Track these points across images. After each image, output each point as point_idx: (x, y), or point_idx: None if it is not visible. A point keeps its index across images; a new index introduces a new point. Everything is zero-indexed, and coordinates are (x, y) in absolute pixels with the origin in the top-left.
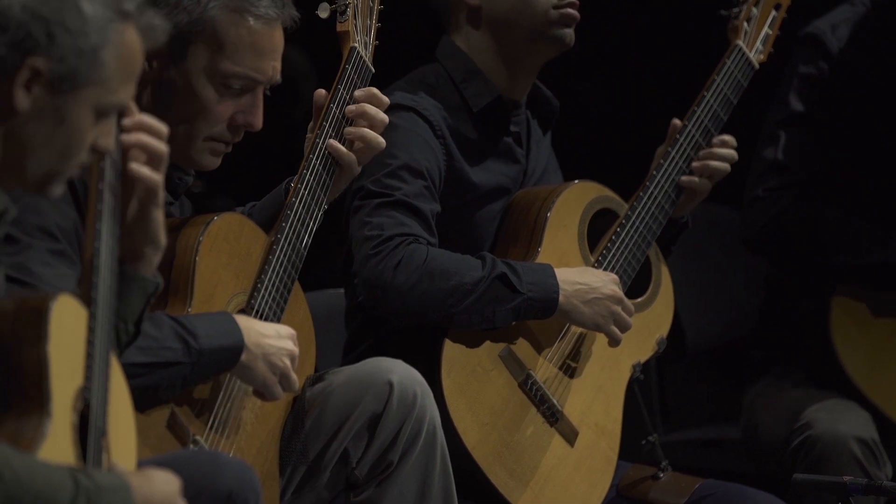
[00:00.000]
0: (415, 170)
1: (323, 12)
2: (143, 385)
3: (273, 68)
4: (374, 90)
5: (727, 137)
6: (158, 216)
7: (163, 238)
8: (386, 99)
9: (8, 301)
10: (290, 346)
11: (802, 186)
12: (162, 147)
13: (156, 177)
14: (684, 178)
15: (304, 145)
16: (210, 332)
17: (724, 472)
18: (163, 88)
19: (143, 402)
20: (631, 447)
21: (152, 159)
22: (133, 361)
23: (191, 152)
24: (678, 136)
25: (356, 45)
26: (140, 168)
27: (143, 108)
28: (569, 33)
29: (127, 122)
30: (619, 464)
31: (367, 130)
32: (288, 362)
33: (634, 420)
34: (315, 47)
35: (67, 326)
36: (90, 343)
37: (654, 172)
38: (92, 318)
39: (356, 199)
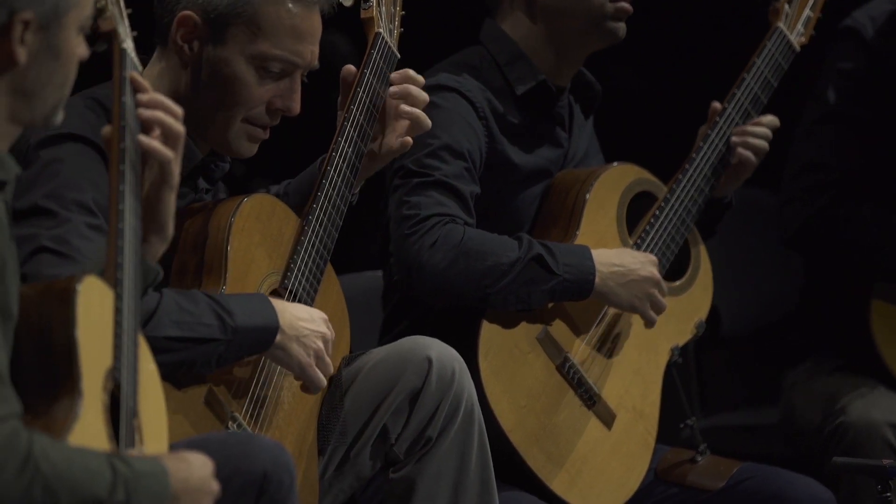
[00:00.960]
0: (455, 150)
1: (347, 0)
2: (178, 360)
3: (311, 53)
4: (410, 71)
5: (766, 117)
6: (170, 199)
7: (170, 228)
8: (421, 78)
9: (35, 284)
10: (324, 329)
11: (839, 185)
12: (178, 126)
13: (169, 153)
14: (739, 145)
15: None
16: (246, 311)
17: (763, 456)
18: (202, 71)
19: (180, 379)
20: (669, 431)
21: (168, 137)
22: (169, 335)
23: (228, 136)
24: (718, 118)
25: (381, 30)
26: (154, 143)
27: (182, 92)
28: (622, 27)
29: (143, 97)
30: (657, 447)
31: (416, 109)
32: (321, 344)
33: (672, 403)
34: (358, 34)
35: (94, 308)
36: (118, 324)
37: (694, 155)
38: (118, 298)
39: (396, 178)
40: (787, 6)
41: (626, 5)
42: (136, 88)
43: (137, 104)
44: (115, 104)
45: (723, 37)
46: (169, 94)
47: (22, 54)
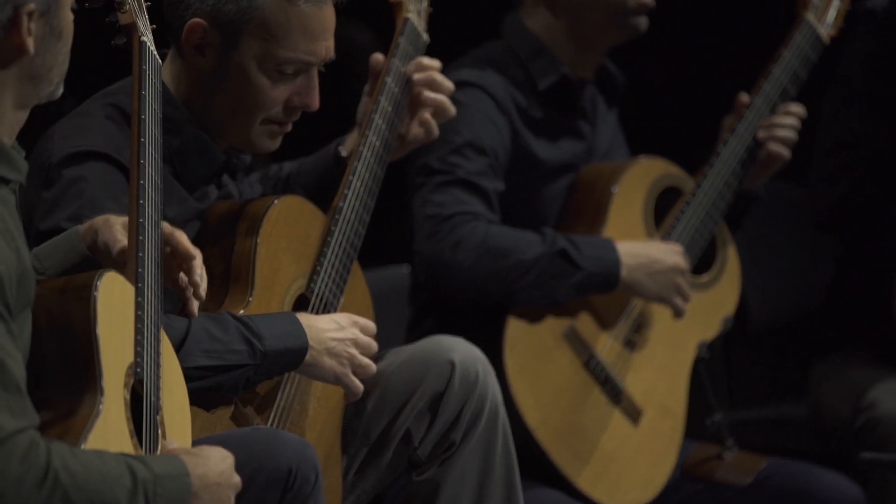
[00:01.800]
0: (478, 147)
1: None
2: (206, 386)
3: (326, 48)
4: (424, 59)
5: (793, 107)
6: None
7: None
8: (436, 63)
9: (56, 281)
10: (353, 333)
11: (867, 164)
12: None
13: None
14: (768, 139)
15: (358, 111)
16: (275, 334)
17: (791, 450)
18: (217, 77)
19: (206, 399)
20: (696, 426)
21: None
22: (199, 365)
23: (250, 137)
24: (745, 111)
25: (409, 14)
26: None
27: (199, 95)
28: (643, 21)
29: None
30: (684, 443)
31: (440, 96)
32: (353, 350)
33: (699, 398)
34: (375, 21)
35: (115, 303)
36: (138, 319)
37: (721, 149)
38: (139, 294)
39: (418, 176)
40: None
41: (649, 1)
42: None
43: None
44: (135, 97)
45: (749, 28)
46: (186, 96)
47: (31, 44)
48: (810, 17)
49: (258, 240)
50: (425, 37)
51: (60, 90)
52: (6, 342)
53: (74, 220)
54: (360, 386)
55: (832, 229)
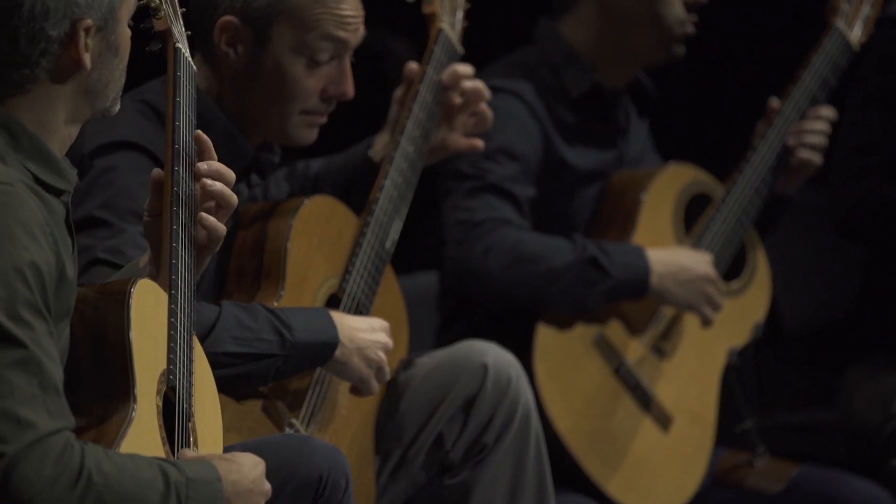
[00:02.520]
0: (510, 153)
1: None
2: (234, 374)
3: (356, 31)
4: (457, 67)
5: (824, 110)
6: (206, 262)
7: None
8: (469, 69)
9: (91, 286)
10: (384, 338)
11: (887, 167)
12: (234, 198)
13: (223, 229)
14: (798, 145)
15: (389, 117)
16: (306, 327)
17: (822, 456)
18: (251, 73)
19: (237, 388)
20: (726, 432)
21: (222, 207)
22: (228, 351)
23: (288, 129)
24: (775, 117)
25: (443, 25)
26: (212, 219)
27: (231, 95)
28: (682, 49)
29: (203, 167)
30: (714, 449)
31: (483, 105)
32: (382, 355)
33: (729, 404)
34: (411, 30)
35: (149, 310)
36: (172, 326)
37: (751, 155)
38: (172, 301)
39: (449, 181)
40: (845, 4)
41: (692, 29)
42: (200, 148)
43: (199, 175)
44: (169, 104)
45: (780, 34)
46: (217, 96)
47: (88, 60)
48: (840, 23)
49: (290, 237)
50: (459, 48)
51: (116, 107)
52: (46, 343)
53: (106, 209)
54: (377, 389)
55: (850, 234)
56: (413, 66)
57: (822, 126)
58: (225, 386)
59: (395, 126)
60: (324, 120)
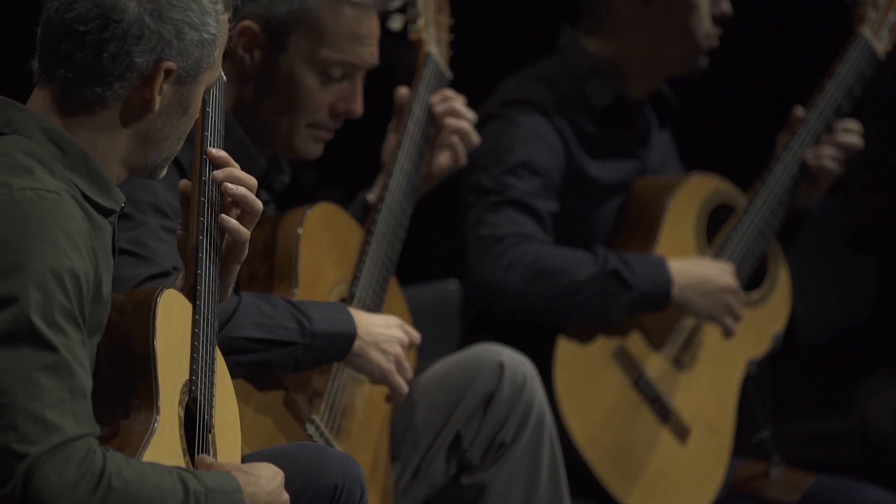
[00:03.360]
0: (532, 167)
1: (396, 24)
2: (256, 361)
3: (371, 54)
4: (449, 93)
5: (850, 125)
6: (234, 271)
7: (227, 294)
8: (460, 98)
9: (117, 295)
10: (400, 333)
11: None
12: (258, 203)
13: (247, 233)
14: (810, 158)
15: (383, 152)
16: (324, 317)
17: (838, 466)
18: (264, 79)
19: (259, 382)
20: (742, 442)
21: (246, 213)
22: (248, 336)
23: (294, 141)
24: (799, 127)
25: (431, 48)
26: (234, 222)
27: (244, 101)
28: (707, 61)
29: (219, 174)
30: (730, 460)
31: (461, 123)
32: (400, 350)
33: (746, 415)
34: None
35: (174, 320)
36: (195, 336)
37: (774, 165)
38: (196, 311)
39: (471, 196)
40: (871, 12)
41: (717, 43)
42: (218, 164)
43: (217, 180)
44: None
45: (805, 43)
46: (232, 102)
47: (157, 103)
48: (866, 31)
49: (299, 241)
50: (447, 73)
51: (164, 171)
52: (79, 351)
53: (127, 203)
54: (405, 386)
55: (866, 246)
56: (403, 90)
57: (847, 138)
58: (248, 381)
59: (393, 145)
60: (330, 136)
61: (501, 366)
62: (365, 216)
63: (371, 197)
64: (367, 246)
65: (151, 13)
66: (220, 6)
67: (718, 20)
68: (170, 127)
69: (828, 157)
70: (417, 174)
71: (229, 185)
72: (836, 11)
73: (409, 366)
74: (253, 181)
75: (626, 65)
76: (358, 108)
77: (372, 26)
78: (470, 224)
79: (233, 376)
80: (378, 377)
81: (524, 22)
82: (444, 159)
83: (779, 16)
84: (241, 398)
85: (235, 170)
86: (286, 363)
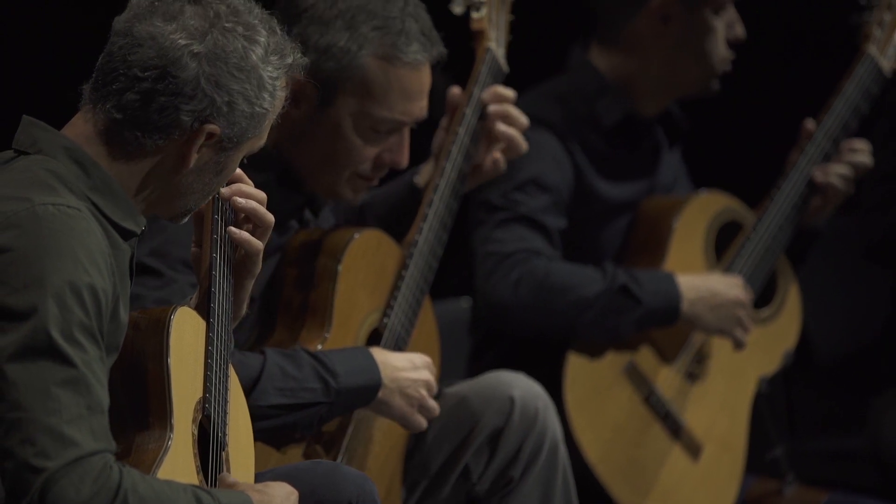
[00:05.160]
0: (541, 184)
1: (458, 7)
2: (280, 425)
3: (420, 108)
4: (500, 89)
5: (858, 144)
6: (248, 285)
7: (243, 309)
8: (511, 93)
9: (131, 314)
10: (426, 375)
11: None
12: (269, 216)
13: (258, 244)
14: (818, 176)
15: (433, 143)
16: (349, 371)
17: (851, 483)
18: (308, 129)
19: (278, 437)
20: (756, 460)
21: (258, 227)
22: (274, 404)
23: (337, 189)
24: (807, 145)
25: (491, 44)
26: (245, 234)
27: (286, 145)
28: (719, 84)
29: (230, 188)
30: (744, 478)
31: (512, 130)
32: (424, 392)
33: (759, 433)
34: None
35: (187, 338)
36: (209, 355)
37: (782, 183)
38: (210, 329)
39: (480, 212)
40: (877, 30)
41: (730, 67)
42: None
43: (223, 196)
44: None
45: (812, 61)
46: (275, 140)
47: (193, 161)
48: (872, 49)
49: (338, 276)
50: (505, 67)
51: (185, 220)
52: (97, 366)
53: (156, 257)
54: (423, 424)
55: (882, 259)
56: (457, 90)
57: (855, 158)
58: (266, 432)
59: (439, 152)
60: (375, 184)
61: (512, 400)
62: (409, 198)
63: (419, 180)
64: (404, 270)
65: (209, 77)
66: (279, 82)
67: (733, 44)
68: (200, 184)
69: (836, 175)
70: (462, 183)
71: (238, 200)
72: (843, 30)
73: (432, 405)
74: (262, 195)
75: (638, 83)
76: (403, 160)
77: (423, 82)
78: (479, 240)
79: (255, 439)
80: (398, 420)
81: (534, 40)
82: (487, 166)
83: (786, 34)
84: (261, 458)
85: (244, 185)
86: (311, 423)
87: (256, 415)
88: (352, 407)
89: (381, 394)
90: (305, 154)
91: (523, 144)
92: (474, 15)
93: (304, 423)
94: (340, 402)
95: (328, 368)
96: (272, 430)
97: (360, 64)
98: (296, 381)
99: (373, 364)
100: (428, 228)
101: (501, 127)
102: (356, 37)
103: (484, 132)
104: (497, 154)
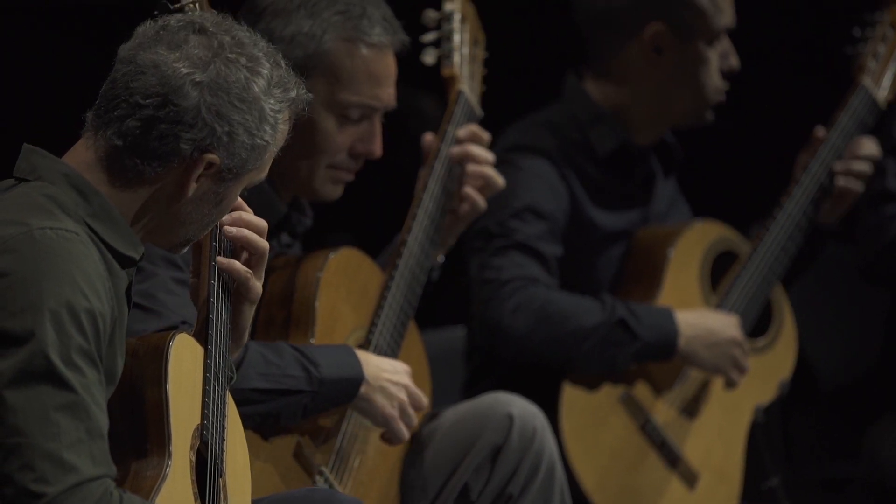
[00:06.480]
0: (537, 211)
1: (430, 57)
2: (264, 411)
3: (388, 94)
4: (475, 128)
5: (865, 148)
6: (248, 312)
7: (246, 337)
8: (487, 135)
9: (129, 340)
10: (407, 380)
11: None
12: (263, 244)
13: (248, 273)
14: (840, 174)
15: (417, 184)
16: (331, 363)
17: None
18: None
19: (268, 432)
20: (752, 490)
21: (252, 255)
22: (255, 387)
23: (314, 183)
24: (802, 175)
25: (463, 88)
26: (235, 264)
27: None
28: (712, 114)
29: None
30: None
31: (488, 169)
32: (405, 396)
33: (755, 462)
34: (440, 90)
35: (186, 365)
36: (207, 382)
37: (777, 213)
38: (208, 356)
39: (477, 240)
40: (871, 62)
41: (724, 98)
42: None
43: (226, 222)
44: None
45: (805, 92)
46: None
47: (191, 190)
48: (867, 80)
49: (319, 289)
50: (478, 111)
51: (183, 250)
52: (96, 391)
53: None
54: (405, 433)
55: (874, 281)
56: (430, 136)
57: (860, 166)
58: (256, 432)
59: (419, 187)
60: (350, 177)
61: (511, 418)
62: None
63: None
64: (386, 291)
65: (209, 107)
66: (282, 115)
67: (727, 74)
68: (198, 214)
69: (850, 173)
70: (441, 215)
71: (229, 229)
72: (837, 61)
73: (413, 413)
74: (262, 223)
75: (632, 112)
76: (377, 148)
77: (389, 66)
78: (475, 268)
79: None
80: (380, 422)
81: (528, 69)
82: (463, 208)
83: (781, 65)
84: (251, 450)
85: (244, 213)
86: (294, 412)
87: (239, 399)
88: (335, 401)
89: (363, 389)
90: (281, 149)
91: (499, 179)
92: (445, 63)
93: (287, 413)
94: (323, 393)
95: (310, 359)
96: (258, 418)
97: (326, 49)
98: (278, 367)
99: (355, 360)
100: (408, 253)
101: (472, 167)
102: (319, 22)
103: (456, 175)
104: (468, 191)
